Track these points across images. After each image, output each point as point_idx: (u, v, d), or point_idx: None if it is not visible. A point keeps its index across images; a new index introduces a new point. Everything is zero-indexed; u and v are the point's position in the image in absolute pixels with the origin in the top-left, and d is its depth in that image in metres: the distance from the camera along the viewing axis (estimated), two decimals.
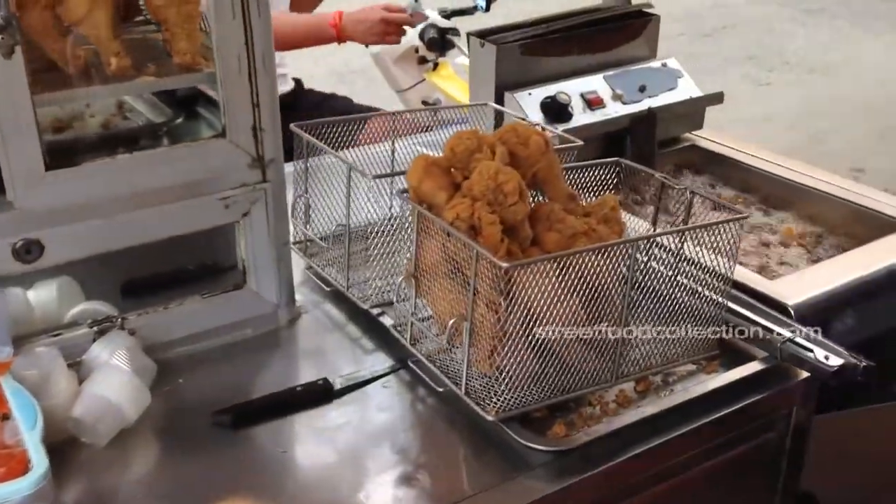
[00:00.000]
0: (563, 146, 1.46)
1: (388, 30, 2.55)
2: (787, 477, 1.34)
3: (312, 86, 2.94)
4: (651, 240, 1.24)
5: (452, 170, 1.24)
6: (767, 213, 1.81)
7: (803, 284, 1.43)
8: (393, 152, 1.62)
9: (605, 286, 1.17)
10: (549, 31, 1.87)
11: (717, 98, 1.95)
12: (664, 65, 1.98)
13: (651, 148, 1.88)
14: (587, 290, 1.16)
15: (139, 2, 1.26)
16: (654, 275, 1.26)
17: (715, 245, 1.24)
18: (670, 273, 1.26)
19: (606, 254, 1.16)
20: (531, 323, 1.13)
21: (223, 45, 1.15)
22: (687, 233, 1.25)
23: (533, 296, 1.12)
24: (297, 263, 1.48)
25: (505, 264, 1.06)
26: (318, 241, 1.43)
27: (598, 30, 1.92)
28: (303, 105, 2.76)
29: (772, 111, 5.30)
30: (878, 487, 1.62)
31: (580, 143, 1.47)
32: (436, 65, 3.26)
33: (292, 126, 1.43)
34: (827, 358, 1.20)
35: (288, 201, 1.36)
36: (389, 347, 1.33)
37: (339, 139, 1.51)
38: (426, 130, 1.72)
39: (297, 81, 2.83)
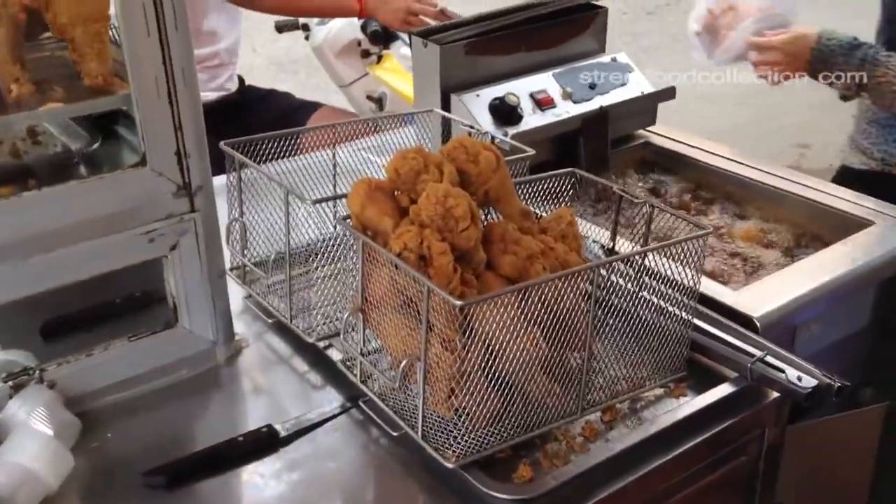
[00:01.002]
0: (515, 157, 1.37)
1: (411, 20, 2.43)
2: (761, 497, 1.29)
3: (253, 80, 2.80)
4: (611, 265, 1.16)
5: (397, 193, 1.15)
6: (726, 211, 1.75)
7: (768, 294, 1.37)
8: (335, 165, 1.52)
9: (568, 313, 1.09)
10: (494, 29, 1.77)
11: (668, 93, 1.88)
12: (614, 59, 1.91)
13: (605, 148, 1.81)
14: (549, 319, 1.08)
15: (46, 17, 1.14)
16: (616, 291, 1.19)
17: (679, 261, 1.17)
18: (634, 289, 1.19)
19: (568, 281, 1.08)
20: (491, 358, 1.05)
21: (138, 64, 1.04)
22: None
23: (491, 329, 1.04)
24: (236, 291, 1.37)
25: (459, 302, 0.97)
26: (256, 271, 1.32)
27: (544, 25, 1.84)
28: (245, 103, 2.63)
29: (720, 88, 5.27)
30: (847, 495, 1.58)
31: (531, 151, 1.39)
32: (379, 57, 3.15)
33: (222, 145, 1.32)
34: (800, 379, 1.14)
35: (222, 224, 1.25)
36: (339, 383, 1.24)
37: (279, 148, 1.40)
38: (369, 135, 1.63)
39: (239, 78, 2.69)
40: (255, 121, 2.61)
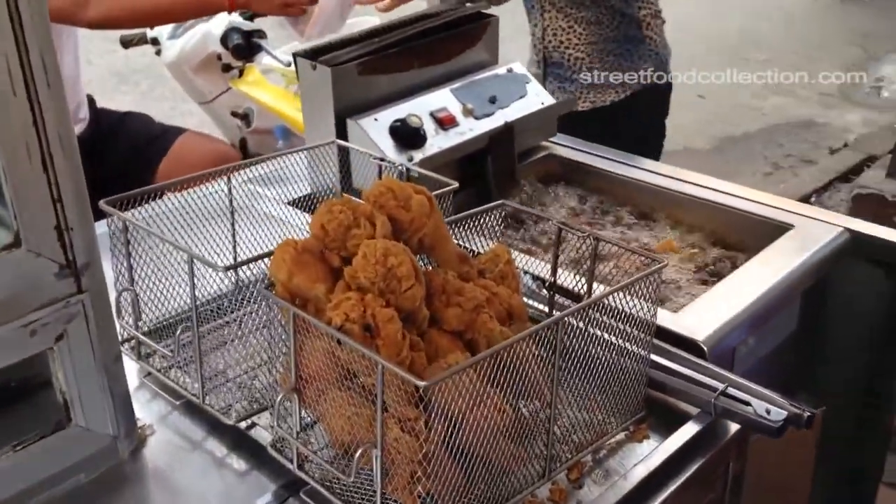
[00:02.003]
0: (440, 191, 1.25)
1: (288, 6, 2.23)
2: None
3: (92, 93, 2.51)
4: (581, 311, 1.06)
5: (326, 251, 1.01)
6: (641, 224, 1.69)
7: (708, 315, 1.32)
8: (232, 209, 1.35)
9: (529, 369, 0.99)
10: (384, 45, 1.65)
11: (569, 104, 1.81)
12: (510, 70, 1.82)
13: (512, 164, 1.73)
14: (511, 379, 0.97)
15: None
16: (571, 332, 1.09)
17: (634, 296, 1.08)
18: (588, 328, 1.10)
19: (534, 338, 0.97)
20: (453, 432, 0.93)
21: (5, 132, 0.85)
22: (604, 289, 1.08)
23: (454, 401, 0.92)
24: (130, 368, 1.19)
25: (422, 383, 0.85)
26: (159, 349, 1.15)
27: (436, 38, 1.73)
28: (100, 134, 2.37)
29: None
30: (789, 500, 1.57)
31: (454, 185, 1.27)
32: (241, 71, 2.94)
33: (102, 205, 1.13)
34: (768, 412, 1.08)
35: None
36: (269, 467, 1.08)
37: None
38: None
39: (89, 99, 2.42)
40: (113, 153, 2.37)
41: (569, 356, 1.06)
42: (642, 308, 1.09)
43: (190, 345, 1.11)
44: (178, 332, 1.10)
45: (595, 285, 1.20)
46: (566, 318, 1.02)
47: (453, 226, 1.19)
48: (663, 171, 1.77)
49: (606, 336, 1.10)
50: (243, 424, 1.11)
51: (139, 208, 1.22)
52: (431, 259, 1.12)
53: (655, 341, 1.21)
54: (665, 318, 1.30)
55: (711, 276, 1.54)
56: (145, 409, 1.18)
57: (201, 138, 2.59)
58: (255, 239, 1.38)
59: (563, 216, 1.70)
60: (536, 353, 0.99)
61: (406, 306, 0.97)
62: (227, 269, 1.03)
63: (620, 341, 1.10)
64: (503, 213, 1.23)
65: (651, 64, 2.17)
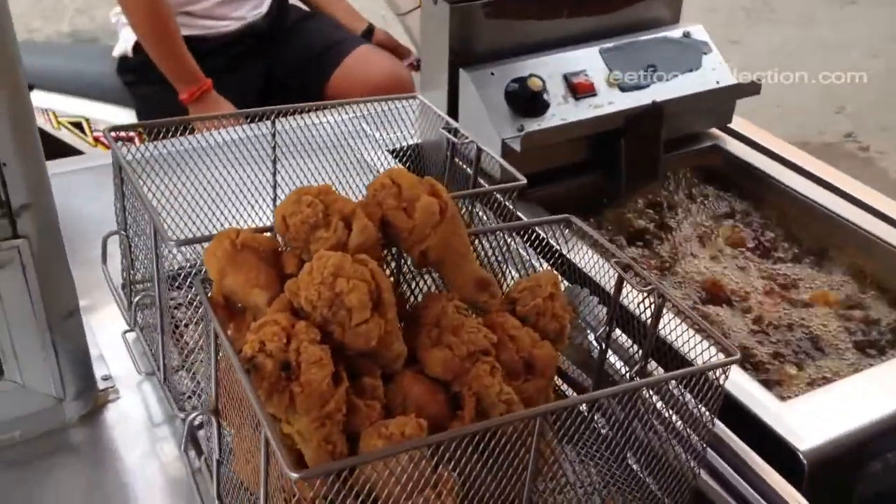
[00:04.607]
0: (498, 187, 1.00)
1: None
2: None
3: None
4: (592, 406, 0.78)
5: (285, 250, 0.80)
6: (808, 260, 1.32)
7: (829, 413, 0.98)
8: (274, 147, 1.16)
9: (500, 472, 0.74)
10: None
11: (752, 88, 1.43)
12: (686, 34, 1.47)
13: (656, 154, 1.40)
14: (475, 473, 0.73)
15: None
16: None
17: (690, 390, 0.79)
18: (620, 415, 0.82)
19: (504, 433, 0.71)
20: None
21: None
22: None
23: (381, 482, 0.70)
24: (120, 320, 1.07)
25: (295, 475, 0.62)
26: (123, 313, 1.00)
27: None
28: (282, 27, 2.27)
29: (850, 36, 4.56)
30: None
31: (523, 181, 1.01)
32: None
33: (106, 133, 0.99)
34: None
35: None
36: None
37: None
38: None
39: None
40: (291, 51, 2.27)
41: (578, 437, 0.79)
42: (695, 407, 0.79)
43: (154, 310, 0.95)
44: (135, 300, 0.94)
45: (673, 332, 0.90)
46: (576, 406, 0.75)
47: (486, 236, 0.93)
48: (862, 196, 1.36)
49: (646, 420, 0.82)
50: (198, 421, 0.95)
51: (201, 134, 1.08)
52: (443, 278, 0.89)
53: (735, 439, 0.91)
54: (763, 405, 0.97)
55: (872, 347, 1.17)
56: (125, 368, 1.05)
57: (378, 54, 2.42)
58: (334, 183, 1.19)
59: (702, 231, 1.37)
60: (517, 453, 0.74)
61: (356, 345, 0.75)
62: (178, 244, 0.85)
63: (664, 431, 0.82)
64: (566, 230, 0.95)
65: None
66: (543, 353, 0.86)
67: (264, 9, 2.23)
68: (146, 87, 2.07)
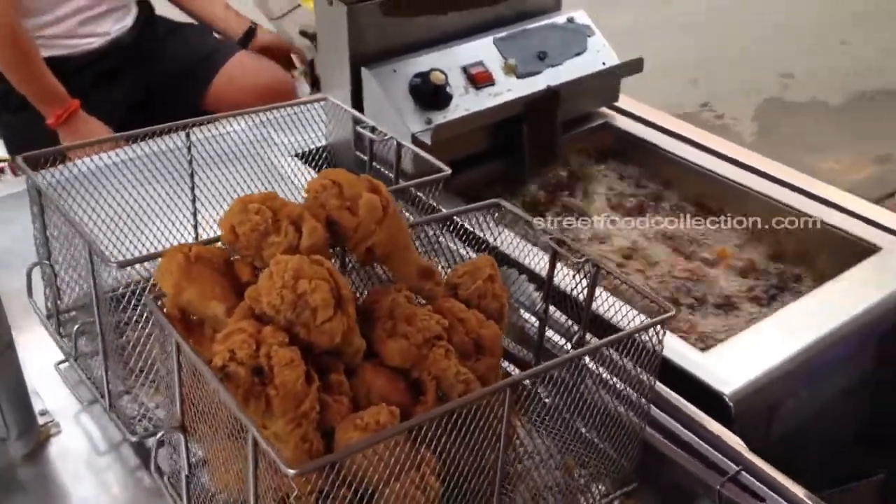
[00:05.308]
0: (428, 178, 1.04)
1: None
2: None
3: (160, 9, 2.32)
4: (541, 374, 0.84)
5: (236, 258, 0.82)
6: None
7: (746, 359, 1.07)
8: (190, 161, 1.16)
9: (479, 436, 0.78)
10: None
11: (635, 66, 1.53)
12: (571, 20, 1.55)
13: (554, 136, 1.47)
14: (450, 448, 0.77)
15: None
16: (544, 379, 0.88)
17: (630, 352, 0.85)
18: (570, 378, 0.88)
19: (481, 402, 0.76)
20: None
21: None
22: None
23: (370, 468, 0.73)
24: (47, 353, 1.05)
25: (291, 471, 0.65)
26: (60, 342, 0.99)
27: None
28: (151, 38, 2.21)
29: (696, 17, 4.86)
30: None
31: (447, 171, 1.05)
32: None
33: (19, 160, 0.97)
34: None
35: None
36: None
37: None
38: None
39: (146, 6, 2.25)
40: (163, 63, 2.21)
41: (544, 408, 0.84)
42: (641, 358, 0.85)
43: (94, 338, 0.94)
44: (76, 328, 0.93)
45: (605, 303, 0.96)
46: (523, 381, 0.80)
47: (429, 227, 0.97)
48: (741, 157, 1.47)
49: (593, 380, 0.88)
50: (150, 443, 0.95)
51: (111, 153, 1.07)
52: (387, 271, 0.92)
53: (666, 391, 0.98)
54: (688, 358, 1.06)
55: (771, 299, 1.27)
56: (60, 401, 1.03)
57: (256, 60, 2.40)
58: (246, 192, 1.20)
59: (608, 200, 1.45)
60: (491, 415, 0.78)
61: (322, 342, 0.77)
62: (120, 265, 0.85)
63: (611, 386, 0.88)
64: (496, 214, 1.00)
65: None
66: (490, 332, 0.91)
67: (129, 22, 2.17)
68: (8, 115, 1.99)
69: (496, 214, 1.00)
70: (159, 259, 0.80)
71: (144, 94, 2.20)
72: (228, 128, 1.25)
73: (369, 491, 0.74)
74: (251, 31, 2.32)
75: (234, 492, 0.78)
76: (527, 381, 0.83)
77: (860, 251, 1.25)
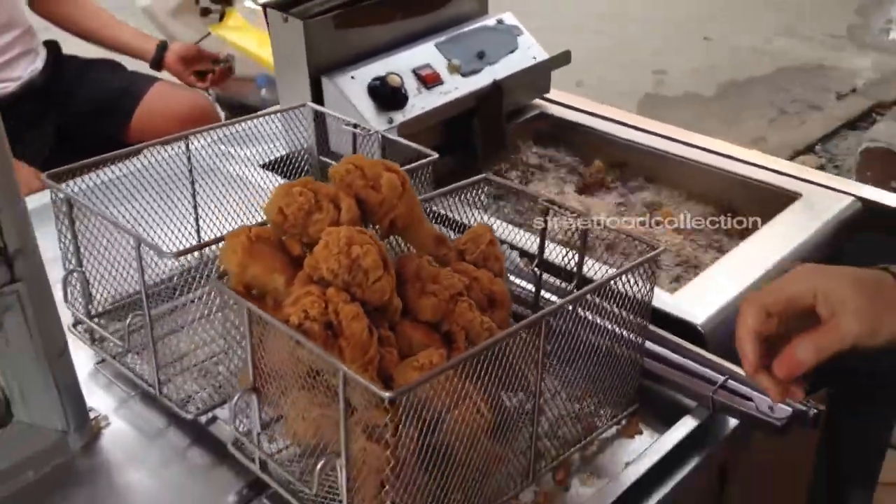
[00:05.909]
0: (416, 164, 1.15)
1: None
2: None
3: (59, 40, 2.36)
4: (566, 307, 0.96)
5: (285, 237, 0.92)
6: (642, 188, 1.59)
7: (708, 295, 1.23)
8: (191, 170, 1.24)
9: (514, 364, 0.90)
10: None
11: (564, 58, 1.69)
12: (500, 21, 1.70)
13: (501, 126, 1.61)
14: (492, 375, 0.88)
15: None
16: (556, 314, 1.00)
17: (629, 284, 0.99)
18: (577, 312, 1.01)
19: (518, 335, 0.88)
20: (426, 437, 0.85)
21: None
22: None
23: (429, 401, 0.83)
24: (83, 355, 1.11)
25: (388, 395, 0.76)
26: (111, 339, 1.06)
27: None
28: (62, 79, 2.23)
29: (578, 18, 5.17)
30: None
31: (434, 156, 1.17)
32: (222, 15, 2.81)
33: (44, 178, 1.04)
34: (772, 409, 1.00)
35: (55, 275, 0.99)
36: (232, 462, 1.00)
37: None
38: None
39: (53, 45, 2.28)
40: (79, 102, 2.24)
41: (556, 340, 0.97)
42: (637, 294, 0.99)
43: (144, 330, 1.01)
44: (129, 320, 1.01)
45: (591, 262, 1.10)
46: (547, 318, 0.92)
47: (432, 202, 1.09)
48: (664, 131, 1.65)
49: (597, 320, 1.01)
50: (204, 418, 1.03)
51: (93, 174, 1.13)
52: (406, 241, 1.03)
53: (651, 327, 1.12)
54: (661, 299, 1.21)
55: (716, 248, 1.45)
56: (100, 398, 1.09)
57: (177, 88, 2.45)
58: (224, 205, 1.28)
59: (557, 182, 1.60)
60: (519, 353, 0.90)
61: (374, 300, 0.88)
62: (176, 255, 0.93)
63: (612, 326, 1.02)
64: (486, 188, 1.13)
65: None
66: (500, 288, 1.03)
67: (39, 64, 2.20)
68: None
69: (486, 188, 1.13)
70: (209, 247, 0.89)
71: (66, 132, 2.22)
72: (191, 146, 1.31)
73: (435, 419, 0.85)
74: (163, 46, 2.35)
75: (308, 437, 0.87)
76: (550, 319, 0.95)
77: (784, 199, 1.44)
